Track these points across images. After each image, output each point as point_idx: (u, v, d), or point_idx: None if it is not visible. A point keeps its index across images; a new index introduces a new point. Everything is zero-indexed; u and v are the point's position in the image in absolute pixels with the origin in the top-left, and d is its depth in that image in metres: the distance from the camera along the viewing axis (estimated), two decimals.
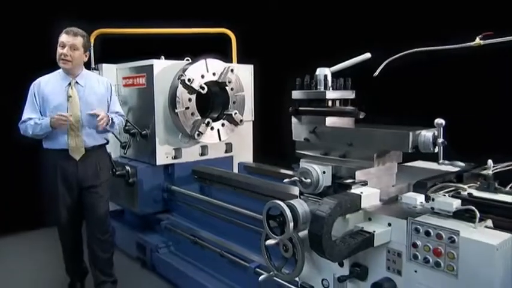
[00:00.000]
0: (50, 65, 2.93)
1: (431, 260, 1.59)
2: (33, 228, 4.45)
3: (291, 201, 1.74)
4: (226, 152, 4.09)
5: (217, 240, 3.07)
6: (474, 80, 3.33)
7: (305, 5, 4.72)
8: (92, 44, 4.01)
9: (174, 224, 3.55)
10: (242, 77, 3.98)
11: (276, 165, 3.78)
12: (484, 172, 2.22)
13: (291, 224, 1.67)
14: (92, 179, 2.94)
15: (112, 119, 2.95)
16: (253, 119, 4.30)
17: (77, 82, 2.90)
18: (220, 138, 3.79)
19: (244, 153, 4.24)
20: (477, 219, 1.58)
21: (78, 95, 2.88)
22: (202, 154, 3.92)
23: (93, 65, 3.84)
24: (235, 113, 3.77)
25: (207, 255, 3.14)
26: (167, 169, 3.79)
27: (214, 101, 3.88)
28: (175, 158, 3.75)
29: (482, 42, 2.09)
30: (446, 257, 1.55)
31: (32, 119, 2.84)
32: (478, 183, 2.19)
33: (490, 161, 2.21)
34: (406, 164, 2.63)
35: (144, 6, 4.68)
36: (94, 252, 3.02)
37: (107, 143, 3.12)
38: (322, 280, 2.00)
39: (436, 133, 1.66)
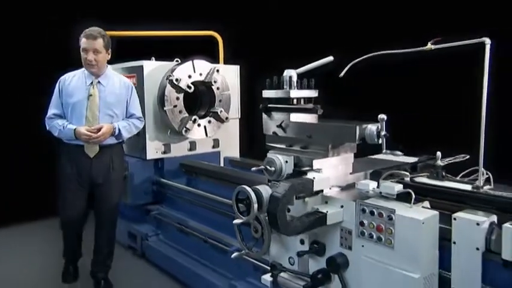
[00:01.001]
0: (72, 62, 3.12)
1: (374, 236, 1.86)
2: (42, 218, 4.66)
3: (257, 186, 2.00)
4: (213, 147, 4.33)
5: (202, 228, 3.33)
6: (427, 81, 3.62)
7: (290, 11, 5.01)
8: None
9: (163, 214, 3.82)
10: (229, 77, 4.24)
11: (261, 159, 4.02)
12: (436, 163, 2.51)
13: (255, 206, 1.92)
14: (104, 176, 3.07)
15: (120, 130, 3.06)
16: (239, 116, 4.55)
17: (99, 82, 3.06)
18: (206, 134, 4.05)
19: (231, 148, 4.49)
20: (412, 200, 1.85)
21: (99, 95, 3.02)
22: (190, 149, 4.17)
23: None
24: (221, 111, 4.03)
25: (193, 241, 3.41)
26: (157, 163, 4.03)
27: (201, 100, 4.13)
28: (164, 153, 3.99)
29: (433, 46, 2.34)
30: (386, 233, 1.81)
31: (56, 116, 3.03)
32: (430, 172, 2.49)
33: (438, 153, 2.48)
34: (371, 156, 2.91)
35: (138, 10, 4.93)
36: (99, 247, 3.21)
37: (123, 142, 3.25)
38: (289, 258, 2.26)
39: (379, 127, 1.92)
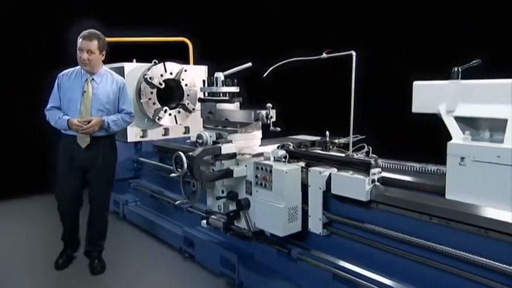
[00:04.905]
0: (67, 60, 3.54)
1: (263, 184, 2.80)
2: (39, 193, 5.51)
3: (188, 152, 2.94)
4: (184, 133, 5.24)
5: (166, 193, 4.29)
6: (323, 81, 4.61)
7: (250, 19, 5.98)
8: None
9: (140, 185, 4.78)
10: (198, 75, 5.14)
11: None
12: (326, 139, 3.45)
13: (185, 164, 2.87)
14: (96, 164, 3.38)
15: (109, 123, 3.33)
16: None
17: (93, 79, 3.37)
18: (176, 122, 4.98)
19: None
20: (287, 160, 2.79)
21: (92, 91, 3.33)
22: (165, 134, 5.08)
23: None
24: (188, 103, 4.96)
25: (160, 204, 4.37)
26: (137, 145, 4.96)
27: (172, 94, 5.05)
28: (142, 137, 4.90)
29: (326, 55, 3.26)
30: (268, 181, 2.75)
31: (54, 108, 3.37)
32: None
33: (327, 132, 3.43)
34: (292, 136, 3.85)
35: (123, 18, 5.83)
36: (91, 227, 3.56)
37: (115, 133, 3.54)
38: (218, 206, 3.21)
39: (268, 112, 2.85)
